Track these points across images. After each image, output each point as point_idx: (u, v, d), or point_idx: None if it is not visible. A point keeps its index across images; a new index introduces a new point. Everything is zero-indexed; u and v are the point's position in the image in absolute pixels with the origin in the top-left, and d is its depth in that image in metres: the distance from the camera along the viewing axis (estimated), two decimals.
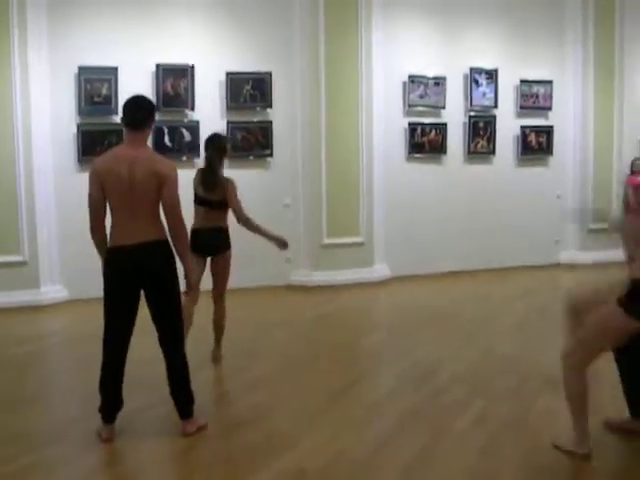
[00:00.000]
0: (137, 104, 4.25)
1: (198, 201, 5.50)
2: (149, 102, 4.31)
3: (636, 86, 10.85)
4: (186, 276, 4.39)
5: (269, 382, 5.36)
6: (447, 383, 5.29)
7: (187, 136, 8.63)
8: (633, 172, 10.54)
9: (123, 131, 4.32)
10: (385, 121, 9.34)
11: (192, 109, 8.63)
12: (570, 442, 3.97)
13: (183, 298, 4.50)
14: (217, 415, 4.72)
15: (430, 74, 9.57)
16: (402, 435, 4.30)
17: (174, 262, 4.24)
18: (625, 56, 10.62)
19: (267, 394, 5.05)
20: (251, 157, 8.84)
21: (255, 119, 8.86)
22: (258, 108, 8.86)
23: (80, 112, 8.26)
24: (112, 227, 4.15)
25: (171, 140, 8.55)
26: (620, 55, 10.57)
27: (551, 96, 10.31)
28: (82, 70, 8.18)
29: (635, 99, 10.81)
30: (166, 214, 4.19)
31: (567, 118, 10.47)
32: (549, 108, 10.33)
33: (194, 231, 5.38)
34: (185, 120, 8.64)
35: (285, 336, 6.74)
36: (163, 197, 4.13)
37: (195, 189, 5.51)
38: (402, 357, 5.99)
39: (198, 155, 8.35)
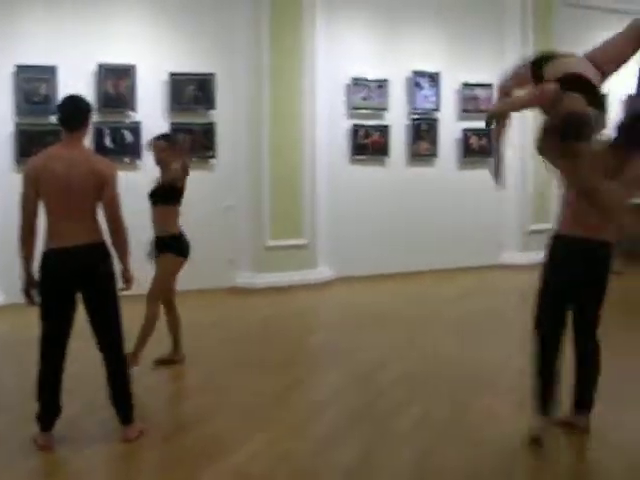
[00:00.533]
0: (73, 104, 4.20)
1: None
2: (85, 102, 4.25)
3: None
4: (125, 275, 4.34)
5: (212, 385, 5.33)
6: (390, 383, 5.34)
7: (129, 137, 8.48)
8: None
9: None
10: (328, 123, 9.36)
11: (134, 110, 8.49)
12: None
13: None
14: (159, 419, 4.68)
15: (373, 77, 9.62)
16: (345, 436, 4.32)
17: (112, 265, 4.18)
18: None
19: (210, 397, 5.02)
20: (194, 159, 8.73)
21: (198, 121, 8.77)
22: (201, 110, 8.79)
23: (18, 112, 8.06)
24: (47, 230, 4.06)
25: (112, 141, 8.40)
26: None
27: (492, 99, 10.46)
28: (20, 69, 7.97)
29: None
30: (107, 215, 4.14)
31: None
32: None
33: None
34: (127, 121, 8.51)
35: (228, 339, 6.70)
36: (104, 198, 4.08)
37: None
38: (345, 358, 6.02)
39: (140, 157, 8.25)
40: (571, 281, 4.11)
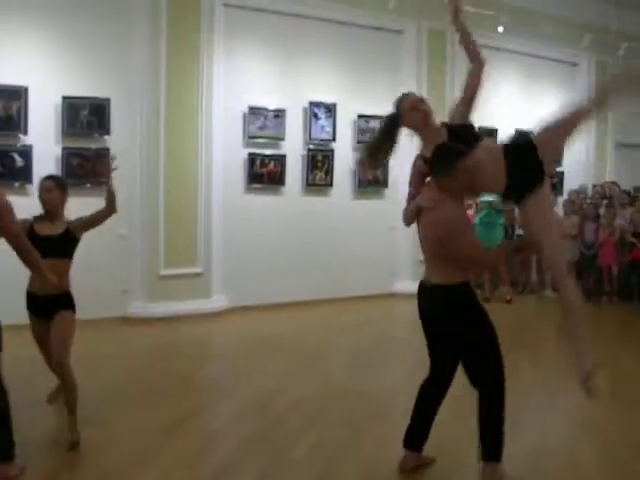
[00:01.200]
0: None
1: None
2: None
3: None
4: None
5: (98, 420, 5.10)
6: (285, 412, 5.33)
7: (19, 161, 8.21)
8: None
9: None
10: (225, 151, 9.34)
11: (25, 133, 8.23)
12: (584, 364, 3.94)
13: None
14: (41, 457, 4.45)
15: (270, 106, 9.69)
16: (239, 466, 4.28)
17: None
18: (456, 93, 11.22)
19: (96, 433, 4.81)
20: (88, 185, 8.52)
21: (92, 146, 8.57)
22: (95, 135, 8.60)
23: None
24: None
25: (1, 165, 8.13)
26: (451, 92, 11.14)
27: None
28: None
29: None
30: (9, 243, 4.02)
31: (401, 153, 10.85)
32: None
33: None
34: (17, 144, 8.23)
35: (118, 370, 6.50)
36: (1, 228, 3.95)
37: None
38: (241, 387, 5.97)
39: (31, 181, 8.00)
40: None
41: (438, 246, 3.96)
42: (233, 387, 6.05)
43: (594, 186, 12.52)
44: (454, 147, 3.95)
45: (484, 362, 4.02)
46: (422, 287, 4.19)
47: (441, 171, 3.95)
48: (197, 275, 9.09)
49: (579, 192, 11.95)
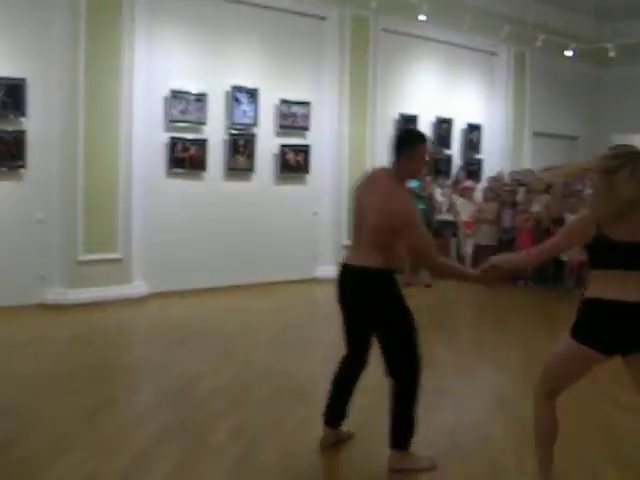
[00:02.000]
0: None
1: None
2: None
3: (387, 109, 11.64)
4: None
5: (15, 408, 4.97)
6: (205, 397, 5.31)
7: None
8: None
9: None
10: (145, 135, 9.18)
11: None
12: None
13: None
14: None
15: (192, 90, 9.57)
16: (157, 452, 4.25)
17: None
18: (378, 79, 11.39)
19: (12, 422, 4.69)
20: (3, 169, 8.28)
21: (7, 128, 8.26)
22: (11, 116, 8.29)
23: None
24: None
25: None
26: (373, 79, 11.32)
27: (309, 117, 10.75)
28: None
29: (387, 121, 11.61)
30: None
31: (324, 138, 10.98)
32: (307, 128, 10.75)
33: None
34: None
35: (35, 358, 6.34)
36: None
37: None
38: (160, 373, 5.93)
39: None
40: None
41: (379, 235, 3.98)
42: (153, 373, 6.01)
43: (511, 173, 12.85)
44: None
45: (399, 351, 4.06)
46: (345, 268, 4.20)
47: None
48: (117, 261, 8.94)
49: (497, 179, 12.24)
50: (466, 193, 11.77)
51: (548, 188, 11.50)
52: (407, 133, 4.40)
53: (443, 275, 4.44)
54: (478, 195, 12.07)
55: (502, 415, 5.09)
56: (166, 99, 9.42)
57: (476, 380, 6.00)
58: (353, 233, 4.23)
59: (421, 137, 4.15)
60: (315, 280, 10.81)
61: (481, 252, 11.50)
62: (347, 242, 10.60)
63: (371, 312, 4.07)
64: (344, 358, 4.40)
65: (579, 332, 3.50)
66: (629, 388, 5.81)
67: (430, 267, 4.33)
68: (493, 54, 13.54)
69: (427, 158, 4.22)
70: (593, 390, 5.85)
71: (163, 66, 9.37)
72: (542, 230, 10.91)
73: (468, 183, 11.83)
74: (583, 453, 4.46)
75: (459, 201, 11.65)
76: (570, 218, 10.32)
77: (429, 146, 4.31)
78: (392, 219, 3.93)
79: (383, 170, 4.25)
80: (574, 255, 10.29)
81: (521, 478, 4.03)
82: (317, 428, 4.50)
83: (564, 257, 10.49)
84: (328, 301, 9.77)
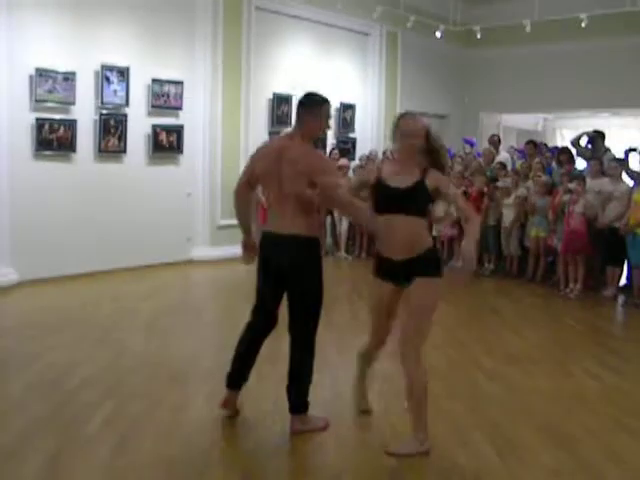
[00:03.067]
0: None
1: None
2: None
3: (261, 88, 11.61)
4: None
5: None
6: (77, 387, 5.19)
7: None
8: None
9: None
10: (9, 116, 8.72)
11: None
12: (410, 444, 4.17)
13: None
14: None
15: (60, 68, 9.18)
16: (27, 447, 4.12)
17: None
18: (252, 59, 11.31)
19: None
20: None
21: None
22: None
23: None
24: None
25: None
26: (247, 57, 11.24)
27: (182, 96, 10.58)
28: None
29: (261, 100, 11.60)
30: None
31: (197, 118, 10.83)
32: (180, 108, 10.58)
33: None
34: None
35: None
36: None
37: None
38: (30, 364, 5.71)
39: None
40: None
41: (302, 193, 4.22)
42: (21, 365, 5.77)
43: (384, 151, 13.11)
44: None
45: (309, 314, 4.38)
46: (273, 236, 4.38)
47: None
48: None
49: (369, 157, 12.46)
50: (341, 171, 11.90)
51: None
52: (308, 96, 4.51)
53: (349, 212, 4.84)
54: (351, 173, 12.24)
55: (376, 389, 5.23)
56: (31, 77, 8.98)
57: (351, 358, 6.14)
58: (274, 203, 4.43)
59: (322, 99, 4.45)
60: (190, 262, 10.71)
61: (355, 229, 11.74)
62: (222, 222, 10.79)
63: (296, 277, 4.33)
64: (253, 322, 4.62)
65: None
66: (496, 356, 6.16)
67: (339, 203, 4.47)
68: (366, 34, 13.72)
69: (330, 117, 4.53)
70: (461, 357, 6.15)
71: (27, 43, 8.91)
72: None
73: (342, 162, 11.98)
74: (452, 419, 4.67)
75: None
76: None
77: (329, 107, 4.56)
78: (311, 167, 4.23)
79: (286, 137, 4.55)
80: (444, 230, 10.68)
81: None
82: (193, 412, 4.50)
83: (434, 232, 10.86)
84: (204, 283, 9.89)
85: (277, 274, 4.38)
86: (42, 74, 8.99)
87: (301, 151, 4.30)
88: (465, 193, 10.34)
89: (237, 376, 4.60)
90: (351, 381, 4.93)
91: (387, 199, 4.17)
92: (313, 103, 4.41)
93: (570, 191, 9.00)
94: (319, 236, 4.50)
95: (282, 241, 4.32)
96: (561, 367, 5.99)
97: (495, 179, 10.29)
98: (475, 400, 5.11)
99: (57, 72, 9.13)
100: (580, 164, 10.38)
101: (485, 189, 10.20)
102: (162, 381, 5.35)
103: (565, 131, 17.87)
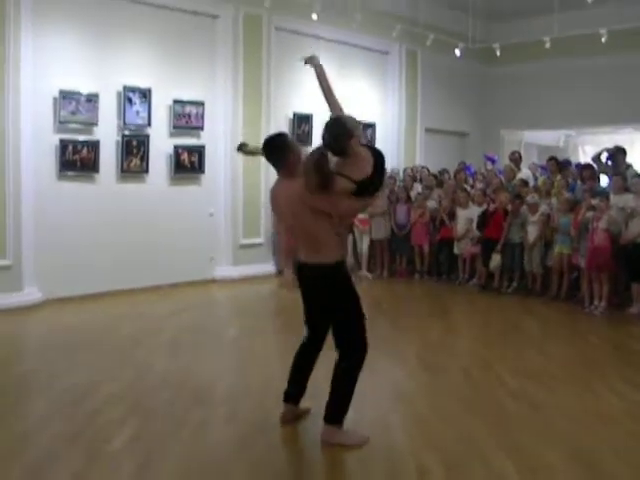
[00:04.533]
0: None
1: None
2: None
3: (281, 108, 11.66)
4: None
5: None
6: (102, 404, 5.21)
7: None
8: None
9: None
10: (34, 137, 8.87)
11: None
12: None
13: None
14: None
15: (83, 90, 9.30)
16: (53, 465, 4.14)
17: None
18: (272, 78, 11.39)
19: None
20: None
21: None
22: None
23: None
24: None
25: None
26: (267, 78, 11.32)
27: (203, 116, 10.66)
28: None
29: (281, 120, 11.65)
30: None
31: (218, 138, 10.90)
32: (201, 128, 10.66)
33: None
34: None
35: None
36: None
37: None
38: (55, 383, 5.75)
39: None
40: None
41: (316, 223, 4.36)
42: (45, 384, 5.82)
43: (405, 169, 13.12)
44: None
45: (353, 330, 4.53)
46: (303, 266, 4.55)
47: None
48: (6, 268, 8.61)
49: (391, 175, 12.46)
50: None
51: (441, 183, 11.81)
52: (268, 145, 4.55)
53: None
54: None
55: (400, 411, 5.21)
56: (55, 99, 9.12)
57: (374, 374, 6.11)
58: (297, 237, 4.56)
59: (280, 139, 4.56)
60: (213, 281, 10.75)
61: (376, 247, 11.72)
62: (244, 242, 10.84)
63: (329, 301, 4.50)
64: (305, 341, 4.77)
65: None
66: (519, 374, 6.09)
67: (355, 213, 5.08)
68: (386, 53, 13.78)
69: (301, 155, 4.48)
70: (484, 376, 6.09)
71: (52, 65, 9.07)
72: (436, 225, 11.20)
73: None
74: (474, 439, 4.62)
75: None
76: (461, 212, 10.67)
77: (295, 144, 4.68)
78: (312, 203, 4.29)
79: (278, 181, 4.63)
80: (467, 248, 10.64)
81: (422, 477, 4.13)
82: (216, 431, 4.49)
83: (456, 250, 10.82)
84: (226, 302, 9.88)
85: (314, 301, 4.59)
86: (66, 96, 9.13)
87: (289, 192, 4.39)
88: (486, 212, 10.34)
89: (291, 391, 4.77)
90: (371, 402, 4.90)
91: None
92: (276, 149, 4.47)
93: (593, 207, 8.93)
94: (343, 257, 4.58)
95: (310, 270, 4.48)
96: (586, 385, 5.90)
97: (517, 196, 10.23)
98: (498, 419, 5.04)
99: (80, 94, 9.26)
100: (603, 180, 10.31)
101: (509, 206, 10.14)
102: (185, 400, 5.35)
103: (587, 147, 17.77)
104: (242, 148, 5.42)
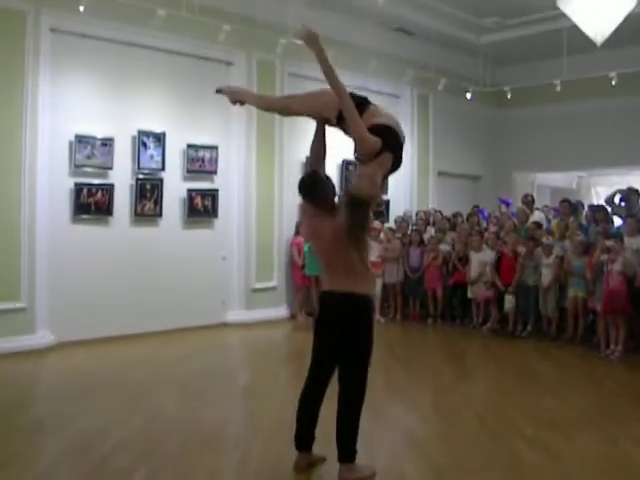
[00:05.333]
0: None
1: None
2: None
3: (294, 152, 11.70)
4: None
5: None
6: (112, 451, 5.14)
7: None
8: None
9: None
10: (50, 180, 8.97)
11: None
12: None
13: None
14: None
15: (98, 134, 9.41)
16: None
17: None
18: (285, 123, 11.43)
19: None
20: None
21: None
22: None
23: None
24: None
25: None
26: (280, 123, 11.35)
27: (217, 161, 10.73)
28: None
29: (294, 164, 11.68)
30: None
31: (231, 182, 10.95)
32: (215, 172, 10.72)
33: None
34: None
35: None
36: None
37: None
38: (64, 428, 5.69)
39: None
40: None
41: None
42: (56, 428, 5.76)
43: (417, 213, 13.11)
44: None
45: (362, 369, 4.53)
46: (329, 294, 4.59)
47: None
48: (20, 310, 8.62)
49: (404, 219, 12.46)
50: (374, 234, 11.86)
51: (454, 226, 11.79)
52: (303, 183, 4.80)
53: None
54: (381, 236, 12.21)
55: (414, 458, 5.11)
56: (71, 144, 9.22)
57: (387, 421, 6.02)
58: (333, 270, 4.57)
59: (317, 180, 4.75)
60: (225, 325, 10.71)
61: (389, 290, 11.66)
62: (257, 286, 10.83)
63: (351, 331, 4.49)
64: (308, 386, 4.71)
65: None
66: (536, 421, 5.98)
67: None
68: (397, 97, 13.87)
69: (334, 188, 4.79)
70: (500, 423, 5.98)
71: (68, 110, 9.21)
72: (449, 269, 11.14)
73: (376, 224, 11.98)
74: None
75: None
76: (474, 256, 10.61)
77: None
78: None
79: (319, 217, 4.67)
80: (480, 292, 10.56)
81: None
82: (227, 476, 4.41)
83: (470, 294, 10.75)
84: (238, 346, 9.81)
85: (332, 332, 4.54)
86: (81, 140, 9.24)
87: (335, 226, 4.50)
88: (500, 257, 10.33)
89: (301, 438, 4.71)
90: (385, 449, 4.82)
91: None
92: (307, 188, 4.73)
93: (608, 250, 8.86)
94: (372, 293, 4.75)
95: (339, 297, 4.51)
96: (605, 433, 5.77)
97: (532, 238, 10.19)
98: (515, 470, 4.89)
99: (96, 138, 9.37)
100: (616, 222, 10.26)
101: (523, 249, 10.09)
102: (195, 446, 5.27)
103: (599, 188, 17.73)
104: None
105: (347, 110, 4.41)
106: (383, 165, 4.52)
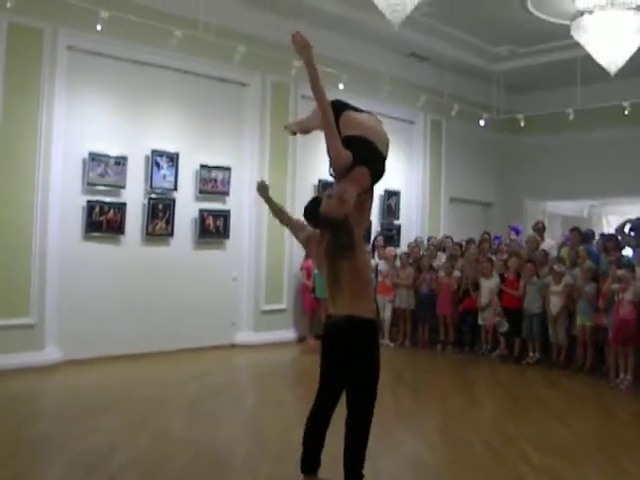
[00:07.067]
0: None
1: None
2: None
3: (307, 174, 11.75)
4: None
5: None
6: (118, 470, 5.12)
7: None
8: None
9: None
10: (62, 198, 9.04)
11: None
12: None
13: None
14: None
15: (112, 153, 9.49)
16: None
17: None
18: (298, 145, 11.47)
19: None
20: None
21: None
22: None
23: None
24: None
25: None
26: (293, 145, 11.41)
27: (229, 182, 10.78)
28: None
29: (306, 187, 11.71)
30: None
31: (243, 203, 10.98)
32: (227, 193, 10.77)
33: None
34: None
35: None
36: None
37: None
38: (71, 446, 5.67)
39: None
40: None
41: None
42: (63, 445, 5.74)
43: (429, 239, 13.10)
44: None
45: (369, 393, 4.46)
46: (328, 317, 4.55)
47: None
48: (29, 326, 8.65)
49: (416, 244, 12.46)
50: (388, 259, 11.86)
51: (464, 252, 11.77)
52: (307, 210, 4.82)
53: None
54: (397, 261, 12.22)
55: None
56: (85, 161, 9.30)
57: (395, 447, 5.99)
58: (339, 292, 4.43)
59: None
60: (234, 346, 10.70)
61: (399, 315, 11.63)
62: (266, 307, 10.83)
63: (359, 355, 4.41)
64: (314, 411, 4.63)
65: None
66: (544, 450, 5.93)
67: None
68: (411, 122, 13.93)
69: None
70: (507, 451, 5.93)
71: (83, 128, 9.30)
72: (461, 294, 11.11)
73: (389, 249, 12.00)
74: None
75: (381, 266, 11.78)
76: (484, 283, 10.59)
77: None
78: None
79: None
80: (490, 319, 10.52)
81: None
82: None
83: (480, 320, 10.71)
84: (246, 368, 9.78)
85: (339, 356, 4.45)
86: (95, 158, 9.31)
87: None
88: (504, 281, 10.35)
89: (307, 461, 4.64)
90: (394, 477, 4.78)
91: None
92: (311, 214, 4.68)
93: (619, 279, 8.83)
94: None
95: (347, 321, 4.40)
96: (614, 463, 5.72)
97: (529, 260, 10.29)
98: None
99: (109, 156, 9.44)
100: (627, 251, 10.22)
101: (533, 270, 10.12)
102: (202, 468, 5.25)
103: (611, 217, 17.69)
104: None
105: (327, 123, 4.34)
106: (358, 181, 4.36)
